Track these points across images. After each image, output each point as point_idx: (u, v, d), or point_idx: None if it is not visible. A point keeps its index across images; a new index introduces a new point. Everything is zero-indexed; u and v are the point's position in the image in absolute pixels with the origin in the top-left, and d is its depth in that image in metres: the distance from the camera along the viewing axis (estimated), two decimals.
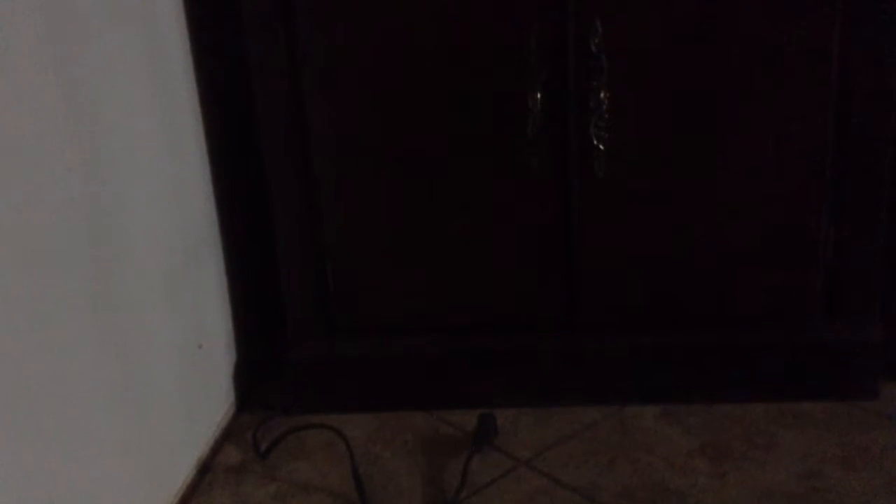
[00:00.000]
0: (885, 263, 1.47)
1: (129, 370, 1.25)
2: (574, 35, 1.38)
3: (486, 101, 1.42)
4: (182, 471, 1.40)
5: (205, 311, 1.53)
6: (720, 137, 1.42)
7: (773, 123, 1.41)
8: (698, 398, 1.53)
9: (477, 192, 1.47)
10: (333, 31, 1.41)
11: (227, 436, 1.55)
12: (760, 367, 1.52)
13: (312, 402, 1.58)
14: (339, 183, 1.48)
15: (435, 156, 1.46)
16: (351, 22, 1.41)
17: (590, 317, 1.52)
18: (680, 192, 1.45)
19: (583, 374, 1.55)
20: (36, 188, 1.04)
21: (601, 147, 1.42)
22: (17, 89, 1.01)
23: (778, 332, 1.52)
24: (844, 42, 1.36)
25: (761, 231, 1.46)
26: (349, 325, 1.57)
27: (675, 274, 1.49)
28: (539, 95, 1.40)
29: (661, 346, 1.53)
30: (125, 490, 1.23)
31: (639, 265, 1.49)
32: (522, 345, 1.55)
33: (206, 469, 1.46)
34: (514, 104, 1.41)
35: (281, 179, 1.48)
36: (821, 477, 1.34)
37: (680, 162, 1.44)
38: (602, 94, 1.40)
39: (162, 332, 1.36)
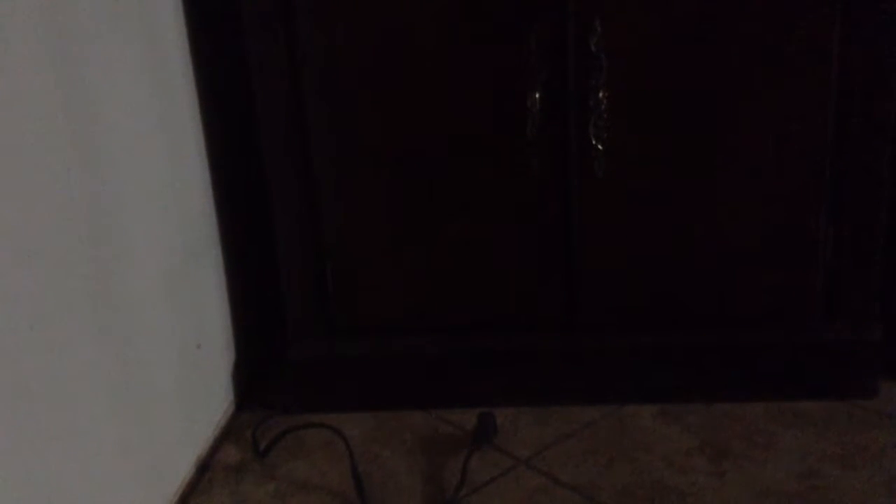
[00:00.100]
0: (884, 263, 1.47)
1: (129, 369, 1.25)
2: (574, 35, 1.38)
3: (486, 100, 1.42)
4: (181, 470, 1.40)
5: (204, 310, 1.53)
6: (720, 137, 1.42)
7: (773, 123, 1.41)
8: (698, 397, 1.53)
9: (477, 192, 1.47)
10: (333, 32, 1.41)
11: (227, 435, 1.55)
12: (760, 367, 1.52)
13: (312, 401, 1.58)
14: (339, 183, 1.48)
15: (435, 156, 1.46)
16: (351, 22, 1.41)
17: (589, 316, 1.52)
18: (680, 191, 1.45)
19: (582, 373, 1.55)
20: (35, 188, 1.04)
21: (600, 147, 1.42)
22: (16, 89, 1.01)
23: (777, 332, 1.52)
24: (844, 42, 1.36)
25: (761, 231, 1.46)
26: (349, 325, 1.57)
27: (675, 274, 1.49)
28: (538, 95, 1.40)
29: (661, 345, 1.53)
30: (124, 489, 1.23)
31: (638, 265, 1.49)
32: (522, 344, 1.55)
33: (205, 468, 1.46)
34: (513, 104, 1.41)
35: (281, 179, 1.48)
36: (820, 476, 1.34)
37: (680, 162, 1.44)
38: (601, 94, 1.40)
39: (161, 331, 1.36)
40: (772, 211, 1.45)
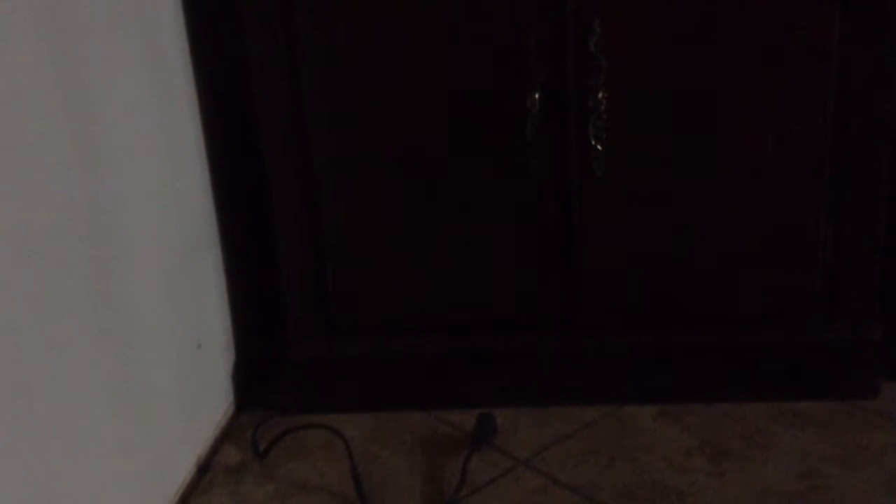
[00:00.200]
0: (884, 263, 1.47)
1: (129, 369, 1.25)
2: (573, 35, 1.38)
3: (486, 101, 1.42)
4: (181, 470, 1.40)
5: (204, 310, 1.53)
6: (720, 137, 1.42)
7: (772, 123, 1.41)
8: (698, 397, 1.53)
9: (476, 193, 1.47)
10: (333, 32, 1.41)
11: (227, 435, 1.55)
12: (760, 367, 1.52)
13: (312, 401, 1.58)
14: (339, 183, 1.48)
15: (435, 156, 1.46)
16: (351, 22, 1.41)
17: (589, 316, 1.52)
18: (679, 191, 1.45)
19: (582, 373, 1.55)
20: (35, 188, 1.04)
21: (599, 147, 1.42)
22: (16, 89, 1.01)
23: (777, 332, 1.52)
24: (844, 42, 1.36)
25: (761, 231, 1.46)
26: (349, 325, 1.57)
27: (675, 273, 1.49)
28: (538, 96, 1.40)
29: (661, 345, 1.53)
30: (125, 489, 1.23)
31: (638, 265, 1.49)
32: (522, 345, 1.55)
33: (205, 468, 1.46)
34: (513, 104, 1.41)
35: (281, 179, 1.48)
36: (820, 476, 1.34)
37: (679, 162, 1.44)
38: (600, 94, 1.39)
39: (161, 331, 1.36)
40: (772, 211, 1.45)
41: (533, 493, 1.35)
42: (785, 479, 1.34)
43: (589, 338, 1.53)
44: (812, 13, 1.36)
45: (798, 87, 1.39)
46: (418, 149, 1.46)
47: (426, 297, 1.53)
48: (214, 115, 1.53)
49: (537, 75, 1.40)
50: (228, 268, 1.60)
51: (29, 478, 1.01)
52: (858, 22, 1.35)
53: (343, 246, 1.51)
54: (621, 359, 1.54)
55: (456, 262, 1.51)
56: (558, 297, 1.51)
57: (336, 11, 1.40)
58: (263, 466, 1.46)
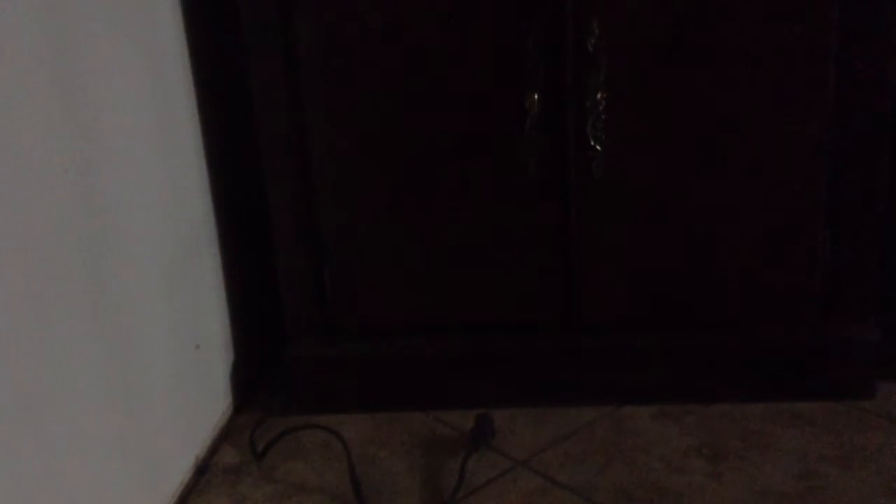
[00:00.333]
0: (882, 263, 1.47)
1: (127, 370, 1.25)
2: (572, 36, 1.38)
3: (485, 101, 1.42)
4: (179, 471, 1.40)
5: (203, 310, 1.53)
6: (719, 138, 1.42)
7: (771, 124, 1.40)
8: (696, 398, 1.53)
9: (475, 193, 1.47)
10: (332, 32, 1.41)
11: (225, 436, 1.55)
12: (757, 367, 1.52)
13: (310, 402, 1.58)
14: (337, 183, 1.48)
15: (434, 156, 1.46)
16: (350, 22, 1.41)
17: (588, 316, 1.52)
18: (678, 192, 1.45)
19: (580, 373, 1.55)
20: (33, 189, 1.04)
21: (598, 147, 1.42)
22: (14, 91, 1.00)
23: (776, 332, 1.52)
24: (844, 42, 1.36)
25: (760, 231, 1.46)
26: (347, 326, 1.57)
27: (673, 274, 1.49)
28: (537, 96, 1.40)
29: (659, 346, 1.53)
30: (122, 490, 1.23)
31: (637, 266, 1.49)
32: (520, 345, 1.55)
33: (203, 469, 1.46)
34: (512, 104, 1.41)
35: (279, 179, 1.48)
36: (818, 476, 1.34)
37: (678, 162, 1.43)
38: (599, 95, 1.39)
39: (159, 331, 1.36)
40: (770, 211, 1.44)
41: (531, 494, 1.36)
42: (783, 480, 1.34)
43: (587, 337, 1.53)
44: (811, 13, 1.35)
45: (798, 88, 1.39)
46: (418, 149, 1.46)
47: (425, 297, 1.53)
48: (213, 115, 1.53)
49: (536, 76, 1.40)
50: (227, 267, 1.60)
51: (26, 478, 1.01)
52: (858, 22, 1.35)
53: (342, 246, 1.51)
54: (619, 359, 1.54)
55: (455, 263, 1.51)
56: (557, 298, 1.51)
57: (335, 11, 1.40)
58: (261, 467, 1.46)
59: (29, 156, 1.03)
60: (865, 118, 1.39)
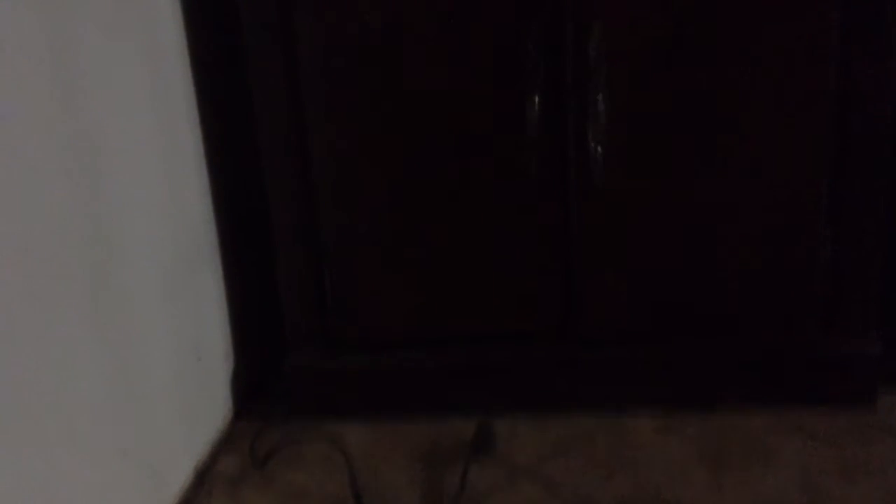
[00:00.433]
0: (884, 273, 1.47)
1: (128, 376, 1.25)
2: (571, 38, 1.38)
3: (485, 102, 1.42)
4: (180, 478, 1.40)
5: (203, 317, 1.53)
6: (719, 140, 1.42)
7: (773, 127, 1.40)
8: (697, 408, 1.52)
9: (475, 194, 1.47)
10: (332, 32, 1.41)
11: (226, 443, 1.54)
12: (759, 377, 1.52)
13: (310, 410, 1.57)
14: (337, 183, 1.47)
15: (434, 156, 1.46)
16: (350, 22, 1.41)
17: (588, 323, 1.52)
18: (679, 196, 1.45)
19: (581, 381, 1.54)
20: (33, 189, 1.04)
21: (599, 148, 1.42)
22: (14, 94, 1.01)
23: (777, 342, 1.52)
24: (844, 42, 1.36)
25: (761, 238, 1.46)
26: (347, 338, 1.57)
27: (674, 281, 1.49)
28: (537, 97, 1.40)
29: (660, 354, 1.53)
30: (124, 496, 1.23)
31: (638, 271, 1.49)
32: (521, 352, 1.55)
33: (203, 477, 1.45)
34: (513, 105, 1.41)
35: (279, 179, 1.48)
36: (819, 487, 1.34)
37: (679, 166, 1.43)
38: (599, 97, 1.39)
39: (159, 335, 1.36)
40: (771, 217, 1.44)
41: (532, 502, 1.35)
42: (784, 491, 1.33)
43: (588, 345, 1.53)
44: (812, 13, 1.36)
45: (798, 88, 1.39)
46: (418, 149, 1.46)
47: (424, 299, 1.53)
48: (213, 115, 1.53)
49: (536, 76, 1.40)
50: (227, 272, 1.60)
51: (27, 485, 1.01)
52: (858, 22, 1.35)
53: (341, 247, 1.51)
54: (620, 367, 1.53)
55: (454, 264, 1.51)
56: (557, 299, 1.51)
57: (335, 11, 1.40)
58: (262, 476, 1.45)
59: (29, 156, 1.03)
60: (866, 118, 1.39)
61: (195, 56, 1.48)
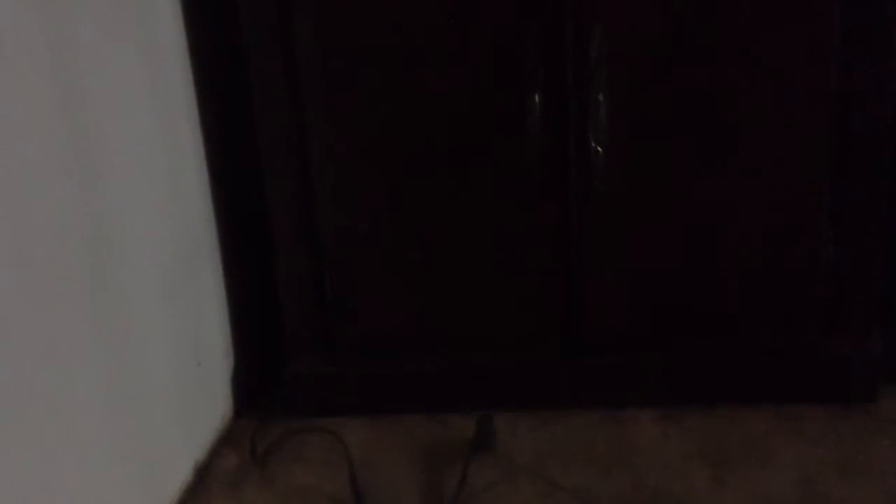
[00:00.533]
0: (885, 273, 1.47)
1: (127, 375, 1.25)
2: (571, 38, 1.38)
3: (486, 102, 1.42)
4: (180, 476, 1.40)
5: (203, 317, 1.53)
6: (720, 140, 1.42)
7: (772, 124, 1.40)
8: (698, 405, 1.52)
9: (476, 194, 1.47)
10: (332, 32, 1.41)
11: (225, 441, 1.54)
12: (760, 374, 1.52)
13: (310, 410, 1.57)
14: (337, 184, 1.48)
15: (434, 156, 1.46)
16: (350, 22, 1.41)
17: (589, 323, 1.52)
18: (680, 196, 1.45)
19: (582, 378, 1.54)
20: (34, 194, 1.04)
21: (599, 149, 1.42)
22: (14, 95, 1.01)
23: (778, 342, 1.52)
24: (845, 42, 1.36)
25: (762, 237, 1.46)
26: (347, 337, 1.57)
27: (675, 281, 1.49)
28: (537, 97, 1.40)
29: (660, 354, 1.53)
30: (123, 495, 1.23)
31: (639, 271, 1.49)
32: (521, 353, 1.55)
33: (203, 474, 1.45)
34: (513, 106, 1.41)
35: (279, 180, 1.48)
36: (819, 484, 1.34)
37: (679, 166, 1.43)
38: (600, 97, 1.39)
39: (159, 338, 1.36)
40: (772, 215, 1.44)
41: (532, 499, 1.35)
42: (784, 488, 1.33)
43: (589, 342, 1.53)
44: (812, 13, 1.36)
45: (798, 88, 1.39)
46: (417, 150, 1.46)
47: (424, 301, 1.53)
48: (213, 116, 1.53)
49: (536, 76, 1.40)
50: (227, 271, 1.60)
51: (27, 485, 1.01)
52: (858, 22, 1.35)
53: (341, 249, 1.51)
54: (621, 364, 1.53)
55: (454, 265, 1.51)
56: (557, 299, 1.51)
57: (336, 11, 1.40)
58: (262, 472, 1.46)
59: (29, 156, 1.03)
60: (866, 118, 1.39)
61: (195, 56, 1.48)
